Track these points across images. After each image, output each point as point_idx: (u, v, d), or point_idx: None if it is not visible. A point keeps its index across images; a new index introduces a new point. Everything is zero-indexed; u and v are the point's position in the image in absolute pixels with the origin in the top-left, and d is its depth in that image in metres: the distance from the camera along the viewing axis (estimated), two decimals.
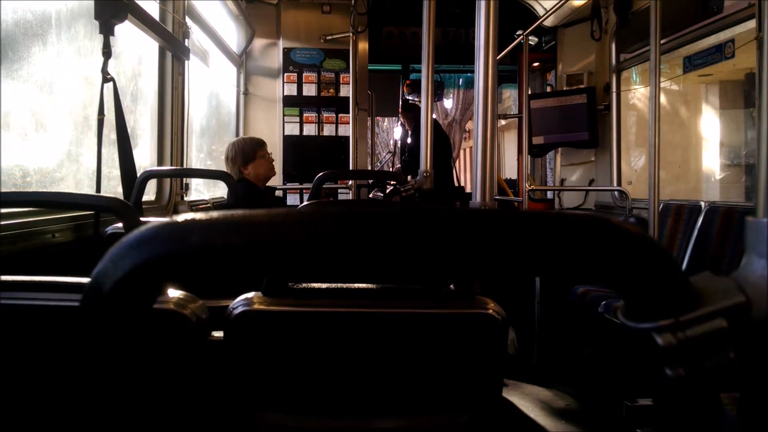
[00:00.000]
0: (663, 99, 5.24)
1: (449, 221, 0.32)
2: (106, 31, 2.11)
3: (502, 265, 0.33)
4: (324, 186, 3.98)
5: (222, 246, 0.31)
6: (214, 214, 0.33)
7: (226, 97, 5.00)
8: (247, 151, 3.04)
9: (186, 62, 3.34)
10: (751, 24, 3.33)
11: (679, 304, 0.32)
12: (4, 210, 1.69)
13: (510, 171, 13.33)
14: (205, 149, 4.53)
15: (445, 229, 0.32)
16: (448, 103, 14.34)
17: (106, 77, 2.17)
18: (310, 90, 5.15)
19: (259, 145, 3.09)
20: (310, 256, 0.32)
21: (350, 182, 4.95)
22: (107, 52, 2.15)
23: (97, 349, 0.36)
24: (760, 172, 0.42)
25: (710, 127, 5.83)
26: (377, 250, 0.32)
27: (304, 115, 5.14)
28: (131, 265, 0.32)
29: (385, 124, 15.73)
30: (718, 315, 0.33)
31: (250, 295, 1.23)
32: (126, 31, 2.61)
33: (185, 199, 3.34)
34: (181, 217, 0.33)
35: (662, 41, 3.11)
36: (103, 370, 0.36)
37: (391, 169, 7.62)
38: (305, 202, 2.67)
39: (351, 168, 4.71)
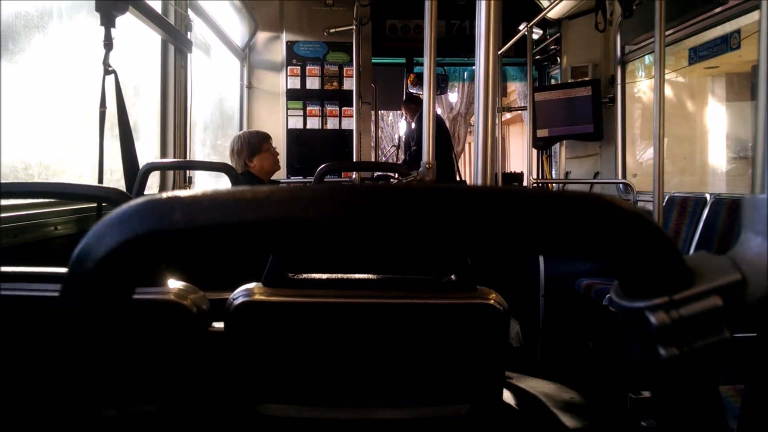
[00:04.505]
0: (669, 91, 5.21)
1: (442, 196, 0.32)
2: (107, 23, 2.11)
3: (499, 242, 0.32)
4: (327, 180, 3.98)
5: (206, 223, 0.31)
6: (199, 191, 0.32)
7: (230, 90, 5.00)
8: (254, 144, 3.03)
9: (188, 55, 3.34)
10: (757, 15, 3.30)
11: (673, 282, 0.31)
12: (4, 202, 1.69)
13: (515, 165, 13.30)
14: (209, 143, 4.53)
15: (439, 204, 0.32)
16: (452, 96, 14.28)
17: (108, 69, 2.16)
18: (313, 83, 5.14)
19: (264, 138, 3.09)
20: (297, 233, 0.32)
21: (354, 175, 4.94)
22: (109, 44, 2.14)
23: (80, 334, 0.35)
24: (758, 149, 0.42)
25: (717, 119, 5.79)
26: (370, 225, 0.31)
27: (308, 108, 5.13)
28: (113, 242, 0.32)
29: (390, 118, 15.69)
30: (713, 293, 0.32)
31: (251, 286, 1.22)
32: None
33: None
34: (164, 194, 0.32)
35: (667, 32, 3.08)
36: (87, 358, 0.36)
37: (396, 161, 7.61)
38: None
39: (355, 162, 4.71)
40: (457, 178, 6.37)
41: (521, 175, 6.42)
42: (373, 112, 6.07)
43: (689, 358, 0.31)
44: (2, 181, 1.60)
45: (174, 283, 1.15)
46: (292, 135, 5.13)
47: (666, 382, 0.35)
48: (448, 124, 10.67)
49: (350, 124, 5.02)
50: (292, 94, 5.13)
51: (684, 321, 0.31)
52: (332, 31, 5.06)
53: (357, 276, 1.23)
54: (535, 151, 5.79)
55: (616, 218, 0.31)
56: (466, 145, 15.18)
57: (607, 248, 0.31)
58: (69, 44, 2.36)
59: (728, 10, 3.52)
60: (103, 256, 0.31)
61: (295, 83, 5.13)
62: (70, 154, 2.43)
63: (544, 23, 5.46)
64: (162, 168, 3.11)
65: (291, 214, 0.30)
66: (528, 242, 0.32)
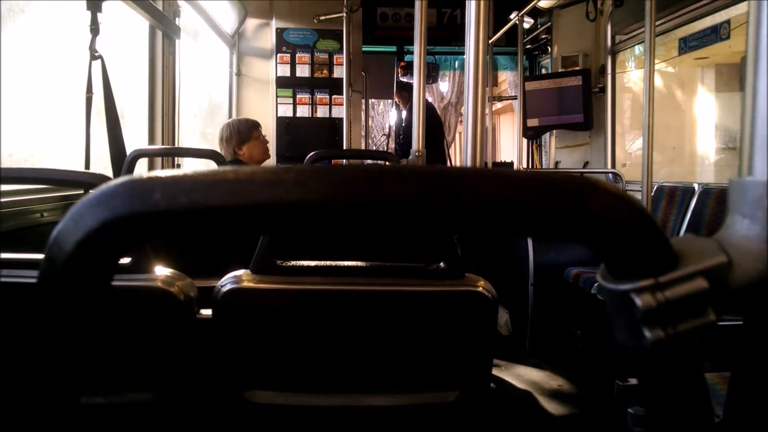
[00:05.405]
0: (659, 82, 5.22)
1: (430, 177, 0.32)
2: (94, 7, 2.08)
3: (487, 223, 0.32)
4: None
5: (187, 204, 0.30)
6: (180, 171, 0.31)
7: (219, 78, 4.95)
8: (243, 131, 3.01)
9: (177, 41, 3.30)
10: (746, 7, 3.31)
11: (659, 265, 0.31)
12: None
13: (506, 155, 13.32)
14: (197, 131, 4.50)
15: (427, 185, 0.31)
16: (443, 85, 14.25)
17: (94, 54, 2.14)
18: (303, 71, 5.10)
19: (254, 126, 3.07)
20: (281, 215, 0.31)
21: (344, 163, 4.92)
22: (95, 29, 2.11)
23: (59, 319, 0.35)
24: (744, 132, 0.42)
25: (706, 110, 5.82)
26: (355, 206, 0.31)
27: (298, 96, 5.10)
28: (92, 224, 0.31)
29: (381, 107, 15.64)
30: (698, 275, 0.32)
31: (239, 273, 1.22)
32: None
33: None
34: (145, 174, 0.31)
35: (657, 22, 3.09)
36: (67, 344, 0.35)
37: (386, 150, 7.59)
38: None
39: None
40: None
41: (511, 164, 6.43)
42: (363, 101, 6.04)
43: (674, 341, 0.31)
44: None
45: (161, 270, 1.14)
46: (282, 123, 5.10)
47: (652, 367, 0.35)
48: (439, 113, 10.64)
49: (340, 112, 4.99)
50: (281, 82, 5.09)
51: (669, 303, 0.31)
52: (322, 18, 5.02)
53: (346, 263, 1.23)
54: (525, 141, 5.80)
55: (601, 200, 0.31)
56: (457, 135, 15.17)
57: (592, 230, 0.31)
58: (56, 30, 2.33)
59: (718, 0, 3.53)
60: (82, 239, 0.31)
61: (284, 71, 5.09)
62: (57, 140, 2.41)
63: (535, 12, 5.45)
64: (149, 154, 3.08)
65: (275, 196, 0.30)
66: (515, 224, 0.31)
